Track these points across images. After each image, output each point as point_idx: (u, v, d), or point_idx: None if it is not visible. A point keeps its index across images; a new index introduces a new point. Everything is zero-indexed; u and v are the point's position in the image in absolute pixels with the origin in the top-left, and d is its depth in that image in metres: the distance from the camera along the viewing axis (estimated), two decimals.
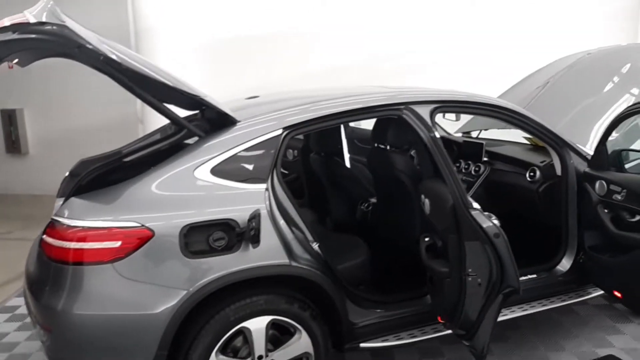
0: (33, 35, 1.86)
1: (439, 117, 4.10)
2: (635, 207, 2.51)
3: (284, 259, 2.26)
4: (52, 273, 2.10)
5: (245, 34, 6.67)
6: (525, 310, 2.88)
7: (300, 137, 3.87)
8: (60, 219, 2.11)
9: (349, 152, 4.30)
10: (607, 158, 2.79)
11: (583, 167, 2.92)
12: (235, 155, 2.28)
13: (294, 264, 2.28)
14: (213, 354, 2.20)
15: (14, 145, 7.29)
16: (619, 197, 2.61)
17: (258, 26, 6.66)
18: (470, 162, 3.69)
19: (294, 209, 2.39)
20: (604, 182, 2.72)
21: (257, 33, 6.66)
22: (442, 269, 2.39)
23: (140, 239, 2.05)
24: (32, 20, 1.82)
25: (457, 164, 3.78)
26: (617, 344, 3.08)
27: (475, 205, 2.32)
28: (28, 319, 2.37)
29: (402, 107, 2.57)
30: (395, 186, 2.95)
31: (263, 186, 2.28)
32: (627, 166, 3.01)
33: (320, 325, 2.40)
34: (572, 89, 3.86)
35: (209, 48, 6.66)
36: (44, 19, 1.83)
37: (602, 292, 3.01)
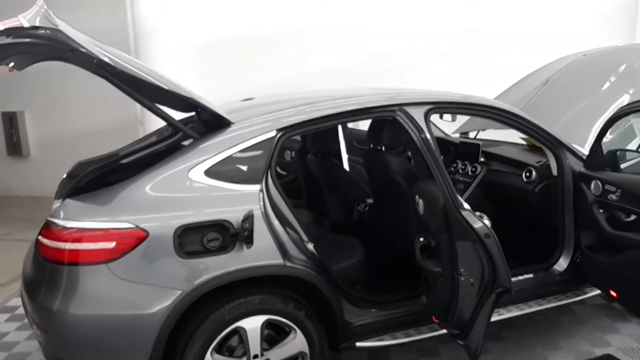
0: (27, 40, 1.89)
1: (436, 118, 4.13)
2: (630, 207, 2.51)
3: (278, 259, 2.28)
4: (48, 274, 2.12)
5: (245, 34, 6.70)
6: (522, 309, 2.89)
7: (298, 138, 3.89)
8: (56, 220, 2.13)
9: (348, 153, 4.32)
10: (602, 158, 2.79)
11: (579, 167, 2.93)
12: (229, 156, 2.30)
13: (288, 264, 2.30)
14: (208, 353, 2.22)
15: (15, 148, 7.33)
16: (613, 197, 2.61)
17: (257, 27, 6.69)
18: (467, 162, 3.71)
19: (289, 210, 2.40)
20: (599, 182, 2.72)
21: (257, 34, 6.69)
22: (435, 269, 2.41)
23: (135, 240, 2.07)
24: (26, 24, 1.85)
25: (454, 165, 3.79)
26: (614, 343, 3.08)
27: (466, 205, 2.33)
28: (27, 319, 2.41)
29: (395, 108, 2.59)
30: (390, 187, 2.97)
31: (257, 187, 2.29)
32: (623, 166, 3.02)
33: (315, 324, 2.42)
34: (569, 89, 3.86)
35: (208, 49, 6.68)
36: (37, 23, 1.86)
37: (599, 291, 3.01)
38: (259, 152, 2.35)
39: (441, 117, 4.06)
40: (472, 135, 4.23)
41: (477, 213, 2.31)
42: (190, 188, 2.21)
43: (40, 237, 2.18)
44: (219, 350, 2.26)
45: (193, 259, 2.14)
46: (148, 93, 2.24)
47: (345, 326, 2.52)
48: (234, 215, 2.19)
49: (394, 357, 3.01)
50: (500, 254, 2.20)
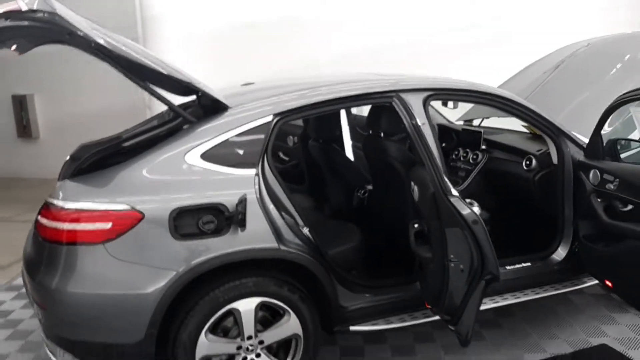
0: (25, 23, 1.91)
1: (438, 105, 4.11)
2: (627, 197, 2.50)
3: (272, 243, 2.30)
4: (47, 253, 2.18)
5: (253, 20, 6.69)
6: (518, 297, 2.89)
7: (300, 123, 3.90)
8: (54, 201, 2.17)
9: (352, 139, 4.31)
10: (602, 147, 2.77)
11: (580, 156, 2.91)
12: (226, 140, 2.32)
13: (282, 247, 2.32)
14: (203, 333, 2.26)
15: (25, 130, 7.43)
16: (611, 186, 2.59)
17: (265, 13, 6.67)
18: (468, 150, 3.69)
19: (285, 195, 2.42)
20: (597, 172, 2.71)
21: (265, 19, 6.68)
22: (426, 255, 2.43)
23: (131, 221, 2.10)
24: (24, 7, 1.87)
25: (456, 152, 3.78)
26: (611, 333, 3.08)
27: (454, 192, 2.33)
28: None
29: (392, 94, 2.58)
30: (389, 173, 2.97)
31: (253, 171, 2.31)
32: (626, 155, 2.99)
33: (309, 307, 2.44)
34: (575, 78, 3.83)
35: (215, 35, 6.69)
36: (35, 7, 1.88)
37: (597, 281, 3.01)
38: (255, 137, 2.37)
39: (445, 104, 4.07)
40: (476, 122, 4.20)
41: (468, 200, 2.32)
42: (186, 171, 2.24)
43: (39, 218, 2.23)
44: (213, 330, 2.30)
45: (188, 241, 2.18)
46: (147, 77, 2.27)
47: (340, 310, 2.55)
48: (229, 198, 2.22)
49: (390, 342, 3.04)
50: (487, 241, 2.21)
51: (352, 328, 2.59)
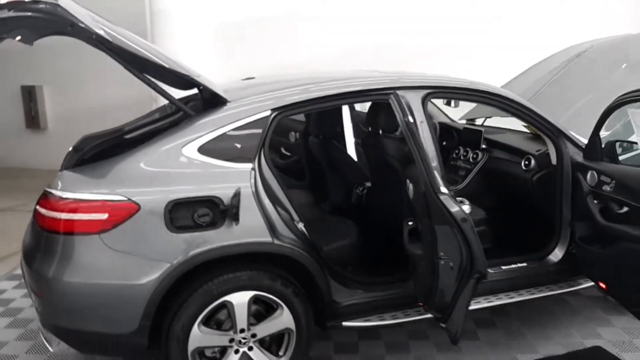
0: (28, 13, 1.94)
1: (441, 104, 4.10)
2: (623, 199, 2.49)
3: (266, 237, 2.32)
4: (44, 242, 2.21)
5: (261, 14, 6.70)
6: (512, 297, 2.88)
7: (302, 119, 3.92)
8: (53, 191, 2.20)
9: (355, 136, 4.32)
10: (600, 149, 2.76)
11: (579, 157, 2.90)
12: (223, 134, 2.34)
13: (276, 242, 2.34)
14: (196, 325, 2.28)
15: (34, 121, 7.51)
16: (608, 188, 2.59)
17: (274, 7, 6.68)
18: (469, 149, 3.69)
19: (281, 190, 2.44)
20: (594, 173, 2.70)
21: (273, 14, 6.69)
22: (418, 252, 2.43)
23: (127, 212, 2.13)
24: None
25: (457, 151, 3.78)
26: (606, 336, 3.07)
27: (444, 189, 2.33)
28: None
29: (390, 92, 2.59)
30: (387, 171, 2.98)
31: (249, 166, 2.33)
32: (625, 157, 2.97)
33: (302, 302, 2.46)
34: (579, 78, 3.81)
35: (224, 29, 6.70)
36: None
37: (592, 283, 3.01)
38: (252, 131, 2.39)
39: (448, 103, 4.06)
40: (479, 122, 4.20)
41: (459, 198, 2.32)
42: (183, 164, 2.26)
43: (38, 207, 2.27)
44: (206, 323, 2.33)
45: (183, 233, 2.20)
46: (149, 70, 2.29)
47: (333, 305, 2.56)
48: (224, 192, 2.24)
49: (384, 338, 3.06)
50: (476, 239, 2.21)
51: (344, 324, 2.60)
